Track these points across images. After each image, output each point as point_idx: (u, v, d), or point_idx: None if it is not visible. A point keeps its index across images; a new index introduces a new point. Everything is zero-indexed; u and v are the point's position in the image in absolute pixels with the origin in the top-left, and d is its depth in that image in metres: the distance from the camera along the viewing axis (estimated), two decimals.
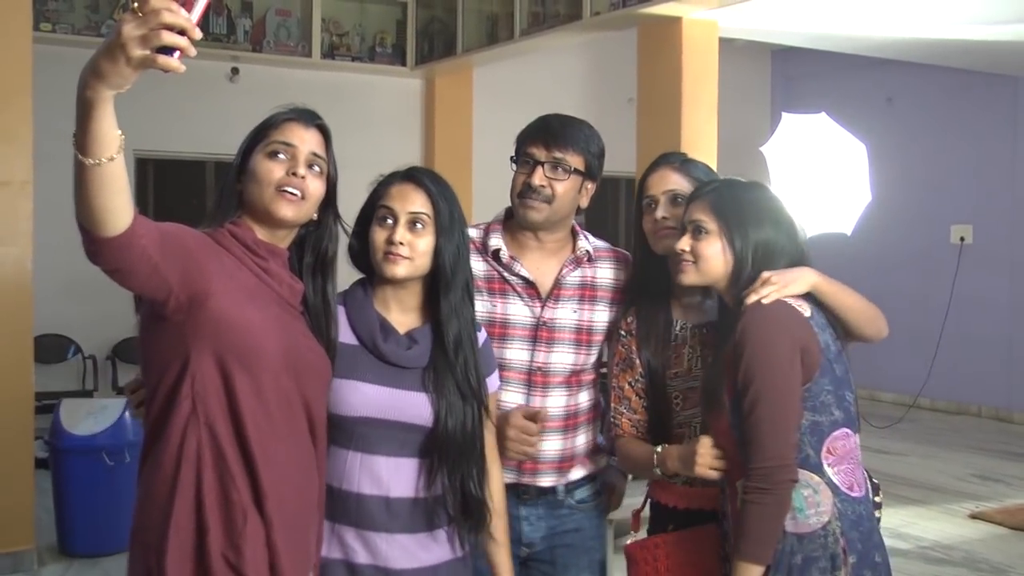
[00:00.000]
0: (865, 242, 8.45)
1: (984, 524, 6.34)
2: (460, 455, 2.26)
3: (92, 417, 5.41)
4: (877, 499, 2.36)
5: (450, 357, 2.28)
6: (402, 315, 2.34)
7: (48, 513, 5.57)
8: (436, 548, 2.30)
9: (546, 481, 2.62)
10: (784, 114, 8.37)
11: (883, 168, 8.76)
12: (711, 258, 2.35)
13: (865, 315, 2.41)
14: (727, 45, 7.63)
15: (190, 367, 1.93)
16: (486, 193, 9.00)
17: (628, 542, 2.58)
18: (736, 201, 2.37)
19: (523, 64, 9.53)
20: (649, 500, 2.65)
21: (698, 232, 2.35)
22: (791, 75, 11.47)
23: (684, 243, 2.37)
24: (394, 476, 2.26)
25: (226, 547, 1.93)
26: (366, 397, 2.23)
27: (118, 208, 1.68)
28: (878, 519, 2.36)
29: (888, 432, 8.61)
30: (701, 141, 6.90)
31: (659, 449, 2.45)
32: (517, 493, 2.59)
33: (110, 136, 1.60)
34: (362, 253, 2.31)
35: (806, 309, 2.27)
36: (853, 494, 2.26)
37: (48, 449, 5.61)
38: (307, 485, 2.09)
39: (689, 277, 2.38)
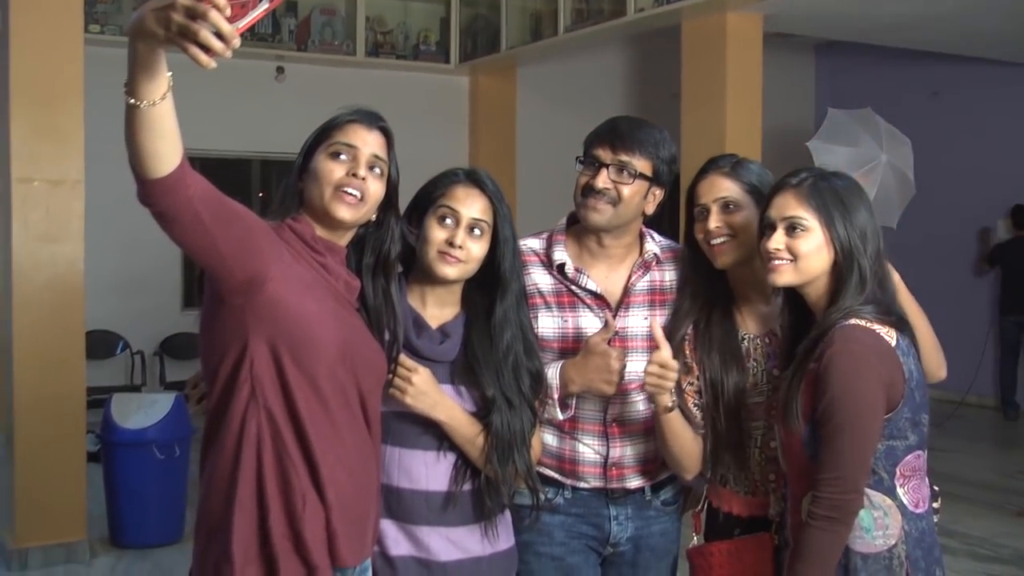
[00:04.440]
0: (911, 236, 8.37)
1: None
2: (506, 449, 2.28)
3: (142, 411, 5.48)
4: (935, 505, 2.32)
5: (500, 360, 2.30)
6: (438, 310, 2.36)
7: (99, 506, 5.64)
8: (480, 540, 2.32)
9: (633, 484, 2.58)
10: (830, 109, 8.33)
11: (929, 162, 8.68)
12: (812, 255, 2.21)
13: (928, 346, 2.35)
14: (770, 39, 7.59)
15: (248, 351, 1.96)
16: (530, 189, 9.04)
17: (690, 546, 2.57)
18: (833, 190, 2.23)
19: (566, 61, 9.54)
20: (708, 504, 2.60)
21: (793, 229, 2.21)
22: (835, 69, 11.36)
23: (778, 241, 2.22)
24: (431, 471, 2.29)
25: (287, 529, 1.97)
26: None
27: (163, 152, 1.71)
28: (935, 523, 2.32)
29: (936, 430, 8.53)
30: (746, 136, 6.88)
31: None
32: (606, 494, 2.57)
33: (155, 83, 1.63)
34: (405, 246, 2.31)
35: (892, 336, 2.18)
36: (918, 511, 2.23)
37: (99, 443, 5.71)
38: (365, 475, 2.11)
39: (786, 277, 2.23)
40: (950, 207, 9.77)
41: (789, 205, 2.23)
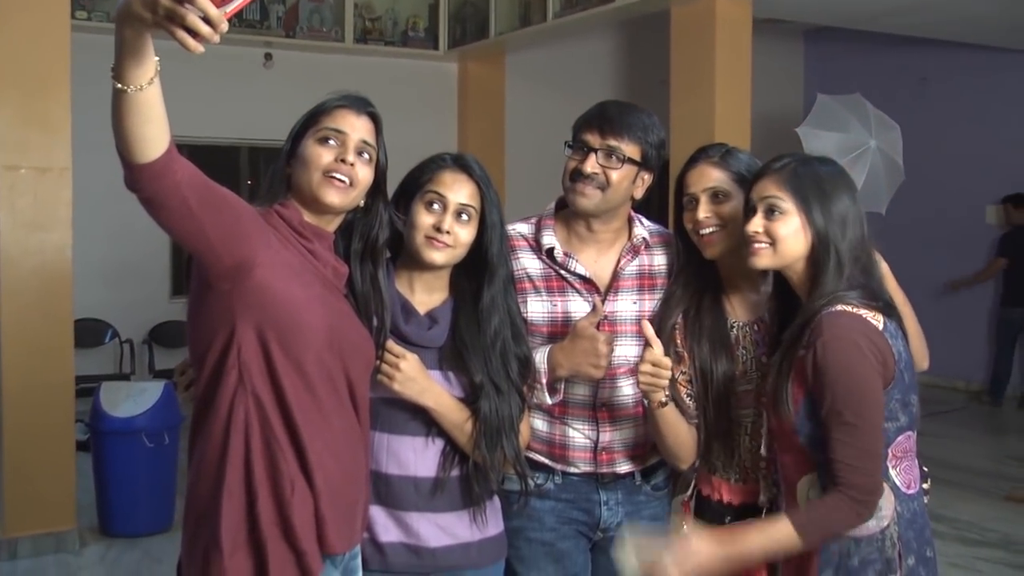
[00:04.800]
0: (899, 222, 8.38)
1: (1020, 506, 6.32)
2: (494, 436, 2.28)
3: (131, 400, 5.48)
4: (925, 486, 2.32)
5: (488, 346, 2.30)
6: (426, 295, 2.36)
7: (89, 495, 5.64)
8: (469, 526, 2.33)
9: (623, 468, 2.58)
10: (819, 95, 8.33)
11: (917, 148, 8.69)
12: (789, 238, 2.20)
13: (913, 336, 2.34)
14: (759, 25, 7.58)
15: (236, 337, 1.96)
16: (518, 175, 9.04)
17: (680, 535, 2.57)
18: (813, 175, 2.23)
19: (555, 47, 9.53)
20: (697, 492, 2.59)
21: (772, 212, 2.22)
22: (824, 55, 11.36)
23: (756, 224, 2.22)
24: (420, 457, 2.29)
25: (275, 515, 1.97)
26: None
27: (151, 137, 1.70)
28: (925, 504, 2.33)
29: (926, 415, 8.56)
30: (735, 122, 6.87)
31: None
32: (596, 479, 2.57)
33: (142, 68, 1.63)
34: (393, 232, 2.30)
35: (879, 319, 2.18)
36: (909, 492, 2.23)
37: (88, 432, 5.69)
38: (353, 461, 2.11)
39: (764, 260, 2.23)
40: (940, 193, 9.78)
41: (768, 188, 2.24)
